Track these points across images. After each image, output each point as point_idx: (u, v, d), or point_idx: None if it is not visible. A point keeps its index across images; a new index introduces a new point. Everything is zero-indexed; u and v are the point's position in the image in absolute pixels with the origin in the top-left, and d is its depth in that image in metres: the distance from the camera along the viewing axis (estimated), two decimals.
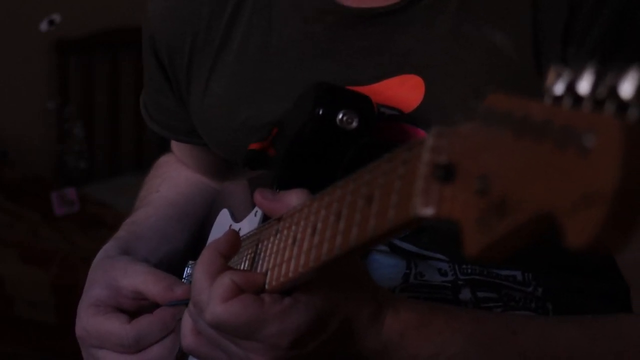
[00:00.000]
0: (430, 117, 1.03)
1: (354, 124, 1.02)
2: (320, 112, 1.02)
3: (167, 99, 1.28)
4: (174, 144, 1.39)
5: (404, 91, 1.05)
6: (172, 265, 1.25)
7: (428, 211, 0.65)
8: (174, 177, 1.38)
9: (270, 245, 0.93)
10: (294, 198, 0.93)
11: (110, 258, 1.18)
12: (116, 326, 1.09)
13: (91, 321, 1.11)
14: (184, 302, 1.06)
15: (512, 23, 1.01)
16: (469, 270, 1.07)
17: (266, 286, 0.90)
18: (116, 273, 1.14)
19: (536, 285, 1.07)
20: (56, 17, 3.14)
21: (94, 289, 1.14)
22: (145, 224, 1.27)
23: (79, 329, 1.13)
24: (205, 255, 0.93)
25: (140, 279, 1.12)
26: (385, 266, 1.06)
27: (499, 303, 1.06)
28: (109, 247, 1.21)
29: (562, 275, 1.08)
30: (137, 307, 1.12)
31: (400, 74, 1.06)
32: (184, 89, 1.23)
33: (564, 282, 1.08)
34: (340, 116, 1.02)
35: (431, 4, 1.05)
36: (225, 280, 0.89)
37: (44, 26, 3.16)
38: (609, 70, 0.52)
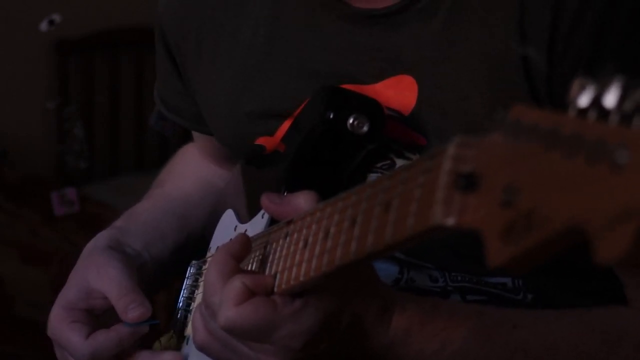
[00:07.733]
0: (425, 120, 1.04)
1: (365, 129, 1.02)
2: (332, 116, 1.03)
3: (177, 84, 1.28)
4: (194, 132, 1.39)
5: (400, 92, 1.06)
6: (164, 264, 1.26)
7: (449, 220, 0.65)
8: (181, 173, 1.38)
9: (279, 248, 0.94)
10: (301, 201, 0.93)
11: (96, 250, 1.19)
12: (75, 340, 1.12)
13: (57, 327, 1.14)
14: (140, 324, 1.11)
15: (499, 24, 1.02)
16: (459, 278, 1.08)
17: (275, 289, 0.91)
18: (89, 273, 1.15)
19: (526, 292, 1.08)
20: (56, 17, 3.14)
21: (68, 290, 1.16)
22: (143, 217, 1.28)
23: (49, 329, 1.15)
24: (218, 257, 0.94)
25: (107, 287, 1.13)
26: (377, 270, 1.06)
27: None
28: (100, 237, 1.22)
29: (553, 278, 1.08)
30: (109, 305, 1.14)
31: (395, 74, 1.07)
32: (191, 77, 1.24)
33: (555, 284, 1.08)
34: (351, 120, 1.02)
35: (426, 6, 1.05)
36: (237, 284, 0.90)
37: (44, 26, 3.16)
38: (636, 84, 0.52)
